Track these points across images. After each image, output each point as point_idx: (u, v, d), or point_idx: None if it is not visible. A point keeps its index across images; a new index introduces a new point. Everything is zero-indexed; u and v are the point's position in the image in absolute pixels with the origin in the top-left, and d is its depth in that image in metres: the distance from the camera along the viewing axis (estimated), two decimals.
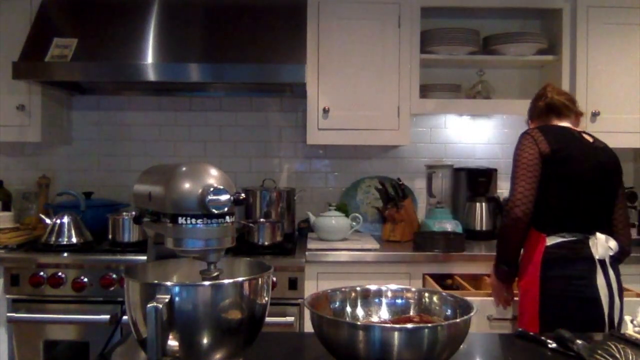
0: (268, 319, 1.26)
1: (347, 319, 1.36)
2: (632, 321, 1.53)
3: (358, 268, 2.66)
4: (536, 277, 2.07)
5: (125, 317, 1.24)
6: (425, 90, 3.10)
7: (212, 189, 1.16)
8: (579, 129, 2.26)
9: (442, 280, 2.63)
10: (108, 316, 2.51)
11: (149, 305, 1.07)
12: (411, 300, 1.40)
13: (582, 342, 1.35)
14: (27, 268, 2.57)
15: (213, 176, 1.20)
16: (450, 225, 2.96)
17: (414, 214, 3.14)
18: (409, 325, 1.21)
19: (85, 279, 2.57)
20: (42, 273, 2.56)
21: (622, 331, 1.57)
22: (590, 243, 2.08)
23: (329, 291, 1.39)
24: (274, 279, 2.53)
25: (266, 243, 2.75)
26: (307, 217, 3.01)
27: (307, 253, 2.65)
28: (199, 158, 3.29)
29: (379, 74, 2.95)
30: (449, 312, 1.34)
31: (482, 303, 2.25)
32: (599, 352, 1.31)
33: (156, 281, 1.31)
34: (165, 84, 3.14)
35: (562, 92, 2.35)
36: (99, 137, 3.35)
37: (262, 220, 2.90)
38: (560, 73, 2.98)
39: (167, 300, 1.10)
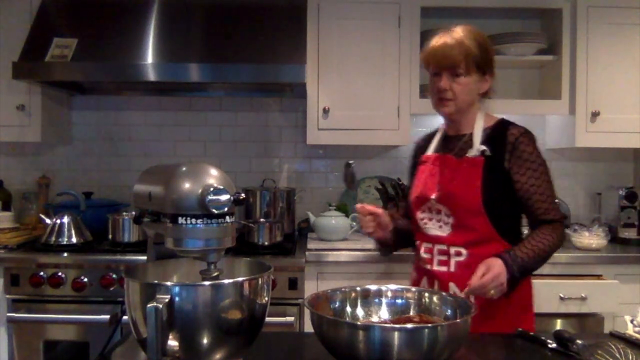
0: (268, 319, 1.26)
1: (347, 319, 1.36)
2: (632, 321, 1.53)
3: (358, 268, 2.66)
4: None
5: (125, 317, 1.24)
6: (426, 91, 3.09)
7: (212, 189, 1.16)
8: None
9: None
10: (108, 316, 2.51)
11: (149, 305, 1.07)
12: (411, 300, 1.40)
13: (582, 342, 1.35)
14: (27, 268, 2.57)
15: (213, 176, 1.20)
16: None
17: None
18: (409, 325, 1.21)
19: (85, 279, 2.57)
20: (42, 273, 2.56)
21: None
22: None
23: (329, 291, 1.39)
24: (274, 279, 2.53)
25: (266, 243, 2.75)
26: (307, 217, 3.01)
27: (307, 253, 2.65)
28: (199, 158, 3.29)
29: (378, 74, 2.95)
30: (449, 312, 1.35)
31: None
32: (599, 352, 1.31)
33: (156, 281, 1.31)
34: (165, 84, 3.13)
35: None
36: (99, 137, 3.35)
37: (262, 220, 2.90)
38: (560, 73, 2.98)
39: (167, 300, 1.10)
